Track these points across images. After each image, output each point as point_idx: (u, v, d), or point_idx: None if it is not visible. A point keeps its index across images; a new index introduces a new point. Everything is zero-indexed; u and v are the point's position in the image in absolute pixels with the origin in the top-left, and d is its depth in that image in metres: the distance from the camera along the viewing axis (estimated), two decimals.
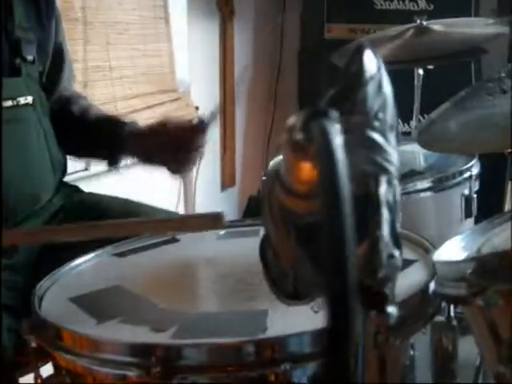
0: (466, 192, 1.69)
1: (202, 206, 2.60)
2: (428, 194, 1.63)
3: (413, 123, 2.26)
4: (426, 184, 1.62)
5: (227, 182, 2.92)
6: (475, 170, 1.73)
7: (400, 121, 3.04)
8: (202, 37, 2.72)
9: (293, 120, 0.35)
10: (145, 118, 2.06)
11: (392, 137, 0.43)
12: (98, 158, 1.45)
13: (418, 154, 1.87)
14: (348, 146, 0.40)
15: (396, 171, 0.42)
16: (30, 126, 1.23)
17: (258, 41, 3.10)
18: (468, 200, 1.70)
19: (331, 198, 0.29)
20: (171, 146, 1.30)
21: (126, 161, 1.41)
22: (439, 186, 1.64)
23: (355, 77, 0.43)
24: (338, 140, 0.31)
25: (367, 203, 0.41)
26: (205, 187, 2.65)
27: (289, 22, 3.21)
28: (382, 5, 3.10)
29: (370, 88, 0.43)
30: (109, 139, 1.38)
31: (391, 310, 0.43)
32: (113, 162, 1.39)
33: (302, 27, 3.24)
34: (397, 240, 0.42)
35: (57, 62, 1.38)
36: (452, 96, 1.85)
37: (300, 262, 0.42)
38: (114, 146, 1.37)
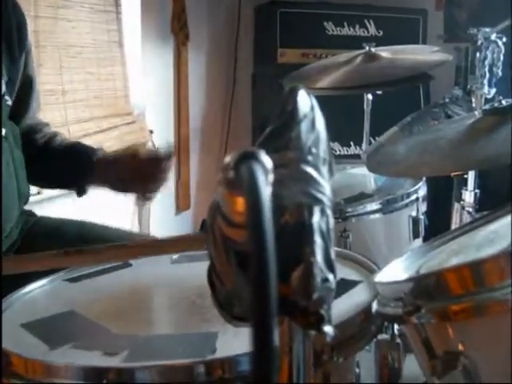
0: (414, 213, 1.75)
1: (157, 229, 2.61)
2: (377, 215, 1.68)
3: (364, 146, 2.31)
4: (375, 206, 1.67)
5: (182, 205, 2.93)
6: (422, 192, 1.79)
7: (352, 143, 3.13)
8: (156, 60, 2.73)
9: (227, 160, 0.39)
10: (98, 142, 2.07)
11: (325, 170, 0.47)
12: (66, 186, 1.45)
13: (367, 177, 1.91)
14: (284, 179, 0.43)
15: (329, 201, 0.46)
16: (2, 158, 1.23)
17: (213, 65, 3.14)
18: (415, 221, 1.75)
19: (256, 231, 0.33)
20: (139, 173, 1.33)
21: (94, 188, 1.42)
22: (388, 207, 1.69)
23: (290, 116, 0.47)
24: (262, 179, 0.35)
25: (302, 231, 0.44)
26: (159, 210, 2.65)
27: (242, 46, 3.26)
28: (333, 31, 3.19)
29: (304, 126, 0.47)
30: (76, 167, 1.38)
31: (327, 329, 0.46)
32: (81, 191, 1.39)
33: (256, 52, 3.30)
34: (330, 265, 0.45)
35: (25, 92, 1.38)
36: (402, 120, 1.91)
37: (241, 286, 0.45)
38: (81, 173, 1.37)
